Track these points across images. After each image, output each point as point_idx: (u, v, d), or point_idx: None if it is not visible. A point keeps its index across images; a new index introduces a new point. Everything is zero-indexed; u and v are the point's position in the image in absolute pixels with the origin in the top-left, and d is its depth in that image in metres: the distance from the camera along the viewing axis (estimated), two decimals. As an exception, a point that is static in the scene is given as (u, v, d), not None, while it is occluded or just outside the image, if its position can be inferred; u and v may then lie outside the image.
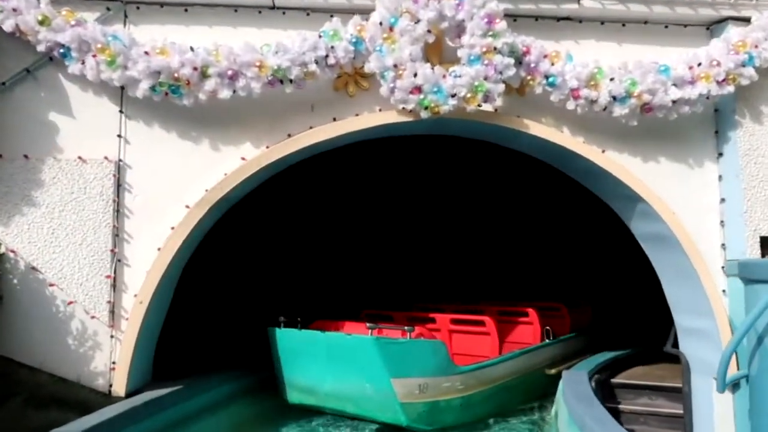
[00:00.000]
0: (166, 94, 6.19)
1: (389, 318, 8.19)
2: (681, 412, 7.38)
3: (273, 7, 6.70)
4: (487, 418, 7.41)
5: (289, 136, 6.65)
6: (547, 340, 8.50)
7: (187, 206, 6.48)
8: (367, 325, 6.37)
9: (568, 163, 7.52)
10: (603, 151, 7.01)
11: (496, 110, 6.80)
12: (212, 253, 8.65)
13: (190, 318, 8.86)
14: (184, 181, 6.53)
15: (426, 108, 6.39)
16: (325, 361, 6.53)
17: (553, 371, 7.94)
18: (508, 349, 8.10)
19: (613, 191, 7.37)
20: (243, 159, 6.59)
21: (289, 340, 6.92)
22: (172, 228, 6.44)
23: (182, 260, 6.80)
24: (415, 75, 6.28)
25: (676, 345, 7.64)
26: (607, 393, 7.70)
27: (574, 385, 6.78)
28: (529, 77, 6.60)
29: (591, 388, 6.80)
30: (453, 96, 6.34)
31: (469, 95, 6.34)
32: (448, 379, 6.58)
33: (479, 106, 6.50)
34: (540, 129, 6.90)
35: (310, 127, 6.67)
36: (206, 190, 6.48)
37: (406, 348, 6.27)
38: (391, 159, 12.27)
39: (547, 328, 8.55)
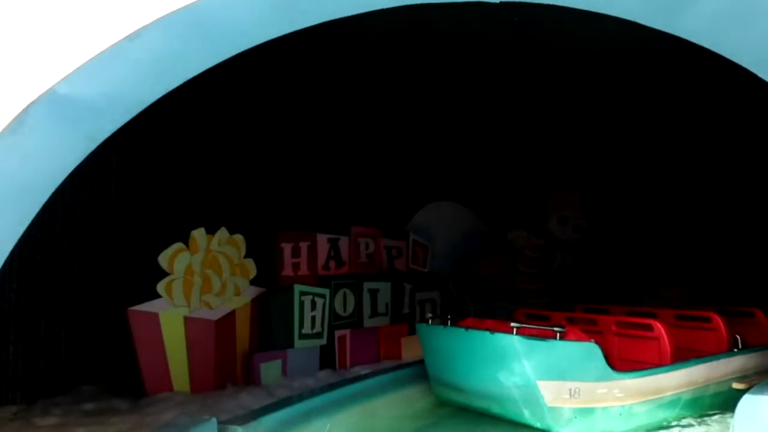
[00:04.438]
0: None
1: (545, 318, 8.04)
2: None
3: None
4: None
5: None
6: (734, 350, 7.88)
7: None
8: (512, 324, 6.31)
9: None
10: None
11: None
12: None
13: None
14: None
15: None
16: (470, 359, 6.72)
17: (741, 386, 7.27)
18: (686, 357, 7.49)
19: None
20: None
21: (435, 336, 7.21)
22: None
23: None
24: None
25: None
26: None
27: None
28: None
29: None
30: None
31: None
32: (604, 385, 6.45)
33: None
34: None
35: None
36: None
37: (554, 349, 6.27)
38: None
39: (736, 336, 7.79)
